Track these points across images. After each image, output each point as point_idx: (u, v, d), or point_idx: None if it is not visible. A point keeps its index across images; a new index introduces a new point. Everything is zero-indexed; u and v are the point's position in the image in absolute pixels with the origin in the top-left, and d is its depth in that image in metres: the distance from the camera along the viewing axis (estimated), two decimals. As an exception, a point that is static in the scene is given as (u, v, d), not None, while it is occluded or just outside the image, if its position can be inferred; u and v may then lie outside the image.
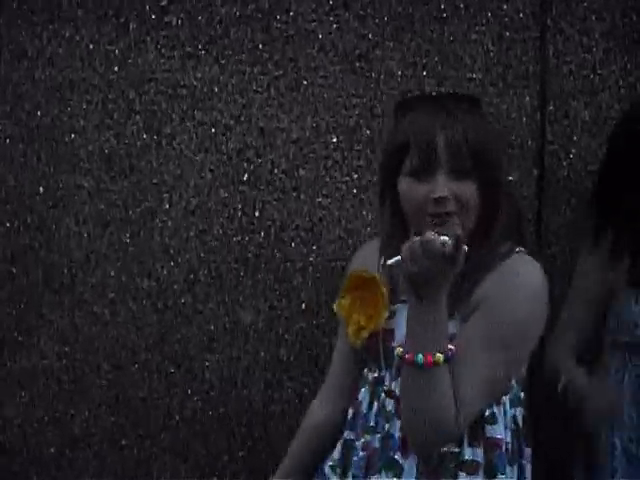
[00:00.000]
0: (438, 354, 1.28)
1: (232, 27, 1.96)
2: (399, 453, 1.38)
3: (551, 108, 1.93)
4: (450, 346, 1.31)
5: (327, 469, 1.50)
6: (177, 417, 1.99)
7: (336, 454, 1.49)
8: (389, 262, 1.33)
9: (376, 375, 1.45)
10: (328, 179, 1.94)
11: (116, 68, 1.98)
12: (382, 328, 1.43)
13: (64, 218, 2.00)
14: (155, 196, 1.98)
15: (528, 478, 1.42)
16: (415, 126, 1.38)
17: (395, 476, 1.37)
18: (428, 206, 1.35)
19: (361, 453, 1.43)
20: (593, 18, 1.94)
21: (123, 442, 1.99)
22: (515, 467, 1.40)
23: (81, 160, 2.00)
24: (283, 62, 1.94)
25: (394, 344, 1.40)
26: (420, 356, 1.28)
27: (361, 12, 1.95)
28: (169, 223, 1.96)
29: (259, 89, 1.94)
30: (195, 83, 1.95)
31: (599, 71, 1.92)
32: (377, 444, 1.41)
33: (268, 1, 1.95)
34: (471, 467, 1.35)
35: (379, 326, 1.43)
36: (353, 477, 1.44)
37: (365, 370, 1.50)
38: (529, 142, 1.94)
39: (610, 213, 1.69)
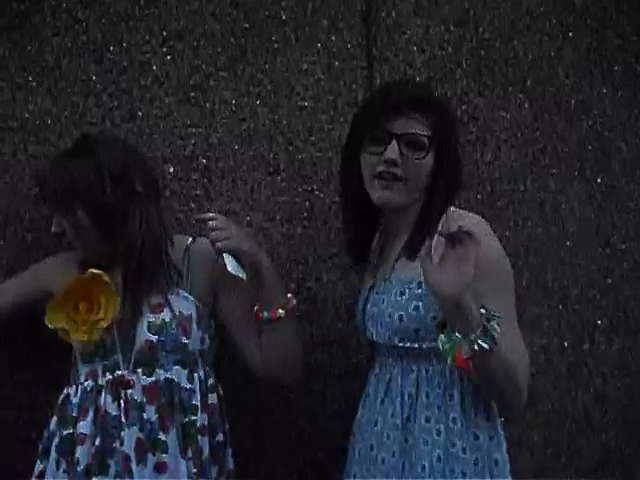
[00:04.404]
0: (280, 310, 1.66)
1: (64, 58, 1.93)
2: (161, 432, 1.62)
3: (381, 134, 2.03)
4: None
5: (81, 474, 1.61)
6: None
7: (90, 460, 1.61)
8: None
9: (111, 377, 1.64)
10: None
11: (-58, 100, 1.91)
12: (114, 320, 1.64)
13: None
14: (-13, 232, 1.91)
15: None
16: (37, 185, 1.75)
17: (163, 452, 1.61)
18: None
19: (120, 448, 1.60)
20: (415, 49, 2.07)
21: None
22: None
23: None
24: (117, 93, 1.94)
25: (133, 332, 1.64)
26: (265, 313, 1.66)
27: (194, 43, 1.98)
28: (4, 260, 1.89)
29: (93, 121, 1.92)
30: (27, 115, 1.90)
31: (422, 98, 2.05)
32: (138, 434, 1.61)
33: (100, 32, 1.94)
34: (204, 430, 1.67)
35: (116, 312, 1.63)
36: (115, 475, 1.60)
37: (89, 381, 1.66)
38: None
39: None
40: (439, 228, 1.50)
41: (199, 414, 1.65)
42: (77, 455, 1.60)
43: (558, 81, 2.19)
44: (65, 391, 1.70)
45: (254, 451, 1.97)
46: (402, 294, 1.54)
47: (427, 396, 1.54)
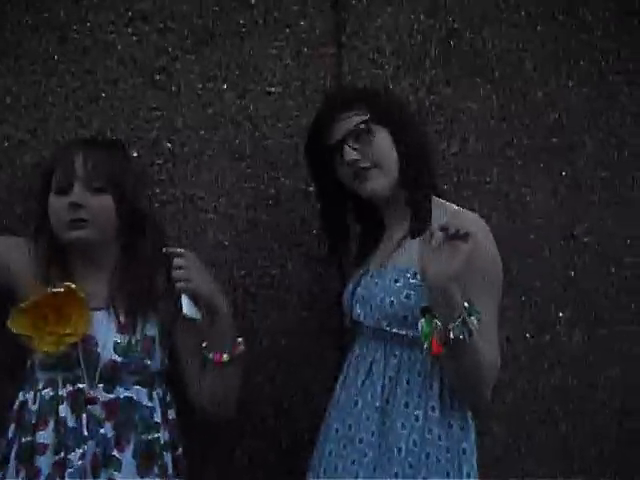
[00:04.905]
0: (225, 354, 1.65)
1: (25, 36, 1.87)
2: (115, 450, 1.61)
3: (348, 122, 2.01)
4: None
5: None
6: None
7: (50, 470, 1.58)
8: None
9: (71, 389, 1.62)
10: (130, 193, 1.90)
11: None
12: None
13: None
14: (-55, 216, 1.85)
15: None
16: (58, 153, 1.72)
17: (115, 470, 1.60)
18: (67, 213, 1.62)
19: (78, 463, 1.58)
20: (384, 37, 2.06)
21: None
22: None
23: None
24: (80, 74, 1.89)
25: (98, 349, 1.63)
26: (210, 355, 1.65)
27: (161, 25, 1.94)
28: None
29: (56, 102, 1.88)
30: (-14, 95, 1.85)
31: (391, 86, 2.04)
32: (94, 449, 1.60)
33: (64, 10, 1.89)
34: (167, 445, 1.68)
35: (87, 329, 1.61)
36: None
37: (48, 389, 1.63)
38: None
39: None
40: (436, 224, 1.51)
41: (161, 431, 1.66)
42: (38, 464, 1.59)
43: (525, 74, 2.19)
44: (21, 396, 1.67)
45: (216, 441, 1.95)
46: (397, 281, 1.59)
47: (407, 382, 1.59)
